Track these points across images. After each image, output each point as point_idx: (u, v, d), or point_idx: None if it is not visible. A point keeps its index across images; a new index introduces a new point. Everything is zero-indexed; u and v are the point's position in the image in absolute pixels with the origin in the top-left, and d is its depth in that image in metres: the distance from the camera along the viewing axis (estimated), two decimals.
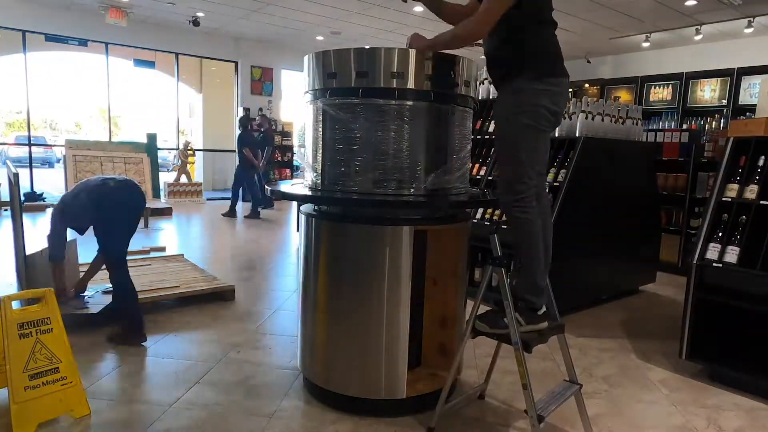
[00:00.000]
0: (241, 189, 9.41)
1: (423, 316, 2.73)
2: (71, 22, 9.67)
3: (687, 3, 7.42)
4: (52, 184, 12.43)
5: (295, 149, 11.05)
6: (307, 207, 2.70)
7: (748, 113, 8.14)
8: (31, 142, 10.38)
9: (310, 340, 2.59)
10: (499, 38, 2.20)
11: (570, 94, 9.93)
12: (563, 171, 4.07)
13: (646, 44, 9.43)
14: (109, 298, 3.61)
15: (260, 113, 11.29)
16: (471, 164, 3.85)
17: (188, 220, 8.96)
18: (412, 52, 2.29)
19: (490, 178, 4.46)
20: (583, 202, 4.06)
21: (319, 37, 10.89)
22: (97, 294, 3.78)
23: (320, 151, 2.46)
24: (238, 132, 9.45)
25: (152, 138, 10.48)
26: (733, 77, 8.82)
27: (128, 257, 3.41)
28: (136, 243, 6.54)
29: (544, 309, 2.26)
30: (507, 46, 2.20)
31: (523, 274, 2.23)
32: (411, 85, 2.30)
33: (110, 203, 3.23)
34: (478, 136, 4.69)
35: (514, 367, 2.86)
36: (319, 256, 2.51)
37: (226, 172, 14.26)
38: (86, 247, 6.18)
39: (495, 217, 4.30)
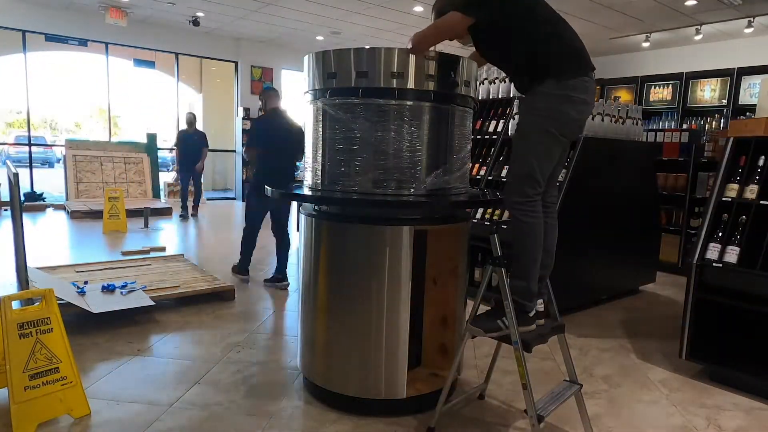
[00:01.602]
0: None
1: (423, 316, 2.73)
2: (71, 22, 9.67)
3: (687, 3, 7.42)
4: (52, 184, 12.43)
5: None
6: (307, 207, 2.71)
7: (748, 113, 8.13)
8: (31, 142, 10.38)
9: (311, 340, 2.59)
10: (516, 48, 2.21)
11: None
12: (563, 171, 4.06)
13: (646, 44, 9.42)
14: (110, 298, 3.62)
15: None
16: (471, 164, 3.85)
17: (188, 219, 8.95)
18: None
19: (489, 178, 4.46)
20: (583, 202, 4.06)
21: (319, 37, 10.89)
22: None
23: (320, 151, 2.46)
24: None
25: (152, 138, 10.50)
26: (733, 77, 8.82)
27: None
28: (136, 243, 6.57)
29: (534, 312, 2.24)
30: (525, 55, 2.19)
31: (517, 276, 2.20)
32: (411, 85, 2.30)
33: None
34: (478, 136, 4.69)
35: (514, 367, 2.86)
36: (319, 256, 2.51)
37: (226, 172, 14.29)
38: (83, 249, 6.18)
39: (495, 217, 4.30)
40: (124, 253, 5.74)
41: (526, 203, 2.15)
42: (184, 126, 9.13)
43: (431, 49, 2.31)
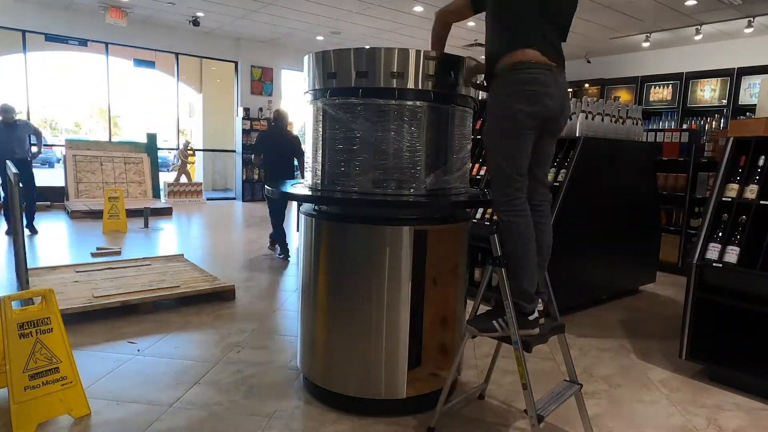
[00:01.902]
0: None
1: (423, 316, 2.73)
2: (71, 22, 9.67)
3: (687, 3, 7.42)
4: (52, 184, 12.41)
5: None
6: (307, 207, 2.70)
7: (748, 113, 8.14)
8: (31, 142, 10.35)
9: (310, 340, 2.59)
10: (486, 42, 2.24)
11: (570, 93, 9.94)
12: (563, 171, 4.07)
13: (646, 44, 9.42)
14: None
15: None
16: (471, 164, 3.85)
17: (188, 220, 8.96)
18: (413, 52, 2.29)
19: (489, 178, 4.45)
20: (583, 202, 4.06)
21: (319, 37, 10.89)
22: None
23: (320, 151, 2.47)
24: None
25: (152, 138, 10.50)
26: (733, 77, 8.82)
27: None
28: (136, 243, 6.57)
29: (536, 314, 2.21)
30: (486, 48, 2.22)
31: (510, 277, 2.17)
32: (411, 85, 2.30)
33: None
34: (478, 136, 4.69)
35: (514, 367, 2.86)
36: (319, 256, 2.51)
37: (226, 172, 14.30)
38: (83, 249, 6.18)
39: (495, 217, 4.30)
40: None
41: (510, 202, 2.14)
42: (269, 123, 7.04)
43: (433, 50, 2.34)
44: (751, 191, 2.98)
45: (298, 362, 2.76)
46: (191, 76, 14.47)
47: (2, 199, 7.28)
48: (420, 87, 2.31)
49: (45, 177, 13.46)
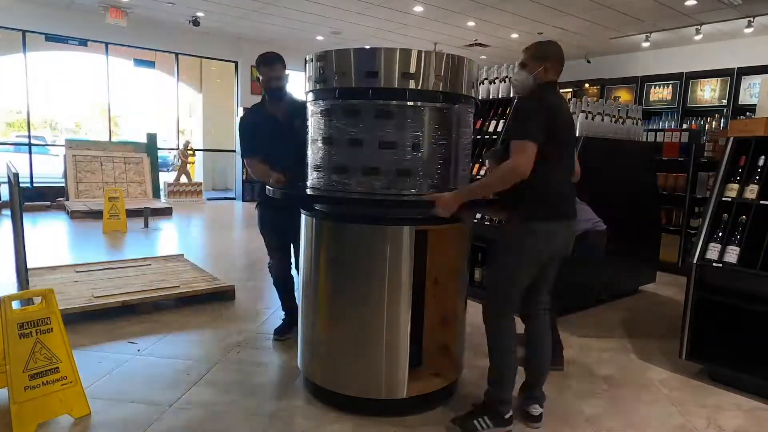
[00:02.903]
0: None
1: (424, 316, 2.73)
2: (71, 22, 9.66)
3: (687, 3, 7.42)
4: (52, 184, 12.41)
5: None
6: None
7: (748, 113, 8.14)
8: (31, 142, 10.36)
9: (311, 340, 2.59)
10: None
11: (570, 93, 9.94)
12: None
13: (646, 44, 9.42)
14: None
15: None
16: (471, 164, 3.84)
17: (188, 220, 8.95)
18: (414, 52, 2.29)
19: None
20: (582, 201, 4.05)
21: (319, 37, 10.88)
22: None
23: (321, 150, 2.47)
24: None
25: (152, 138, 10.50)
26: (733, 77, 8.82)
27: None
28: (136, 243, 6.56)
29: (510, 413, 2.36)
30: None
31: (495, 386, 2.36)
32: (412, 85, 2.30)
33: None
34: (478, 136, 4.68)
35: None
36: (320, 256, 2.51)
37: (227, 172, 14.29)
38: (83, 249, 6.17)
39: (495, 218, 4.29)
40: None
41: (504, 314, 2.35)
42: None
43: (434, 50, 2.32)
44: (751, 191, 2.98)
45: (298, 362, 2.76)
46: (191, 76, 14.45)
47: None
48: (421, 87, 2.31)
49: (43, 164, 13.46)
